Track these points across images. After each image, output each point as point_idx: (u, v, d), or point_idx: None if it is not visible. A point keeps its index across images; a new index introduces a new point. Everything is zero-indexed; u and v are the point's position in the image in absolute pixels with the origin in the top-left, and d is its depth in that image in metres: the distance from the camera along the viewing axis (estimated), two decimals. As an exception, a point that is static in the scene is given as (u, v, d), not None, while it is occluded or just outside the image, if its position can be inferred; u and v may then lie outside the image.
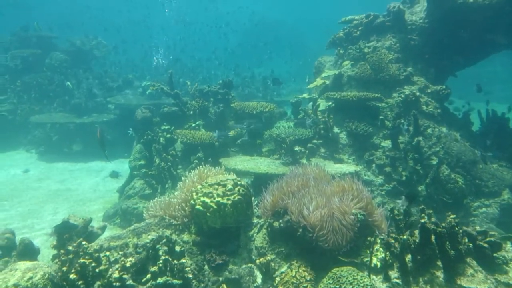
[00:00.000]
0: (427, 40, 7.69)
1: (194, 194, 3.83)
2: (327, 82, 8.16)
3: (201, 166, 4.33)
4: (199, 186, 3.88)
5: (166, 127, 7.67)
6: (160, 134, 7.59)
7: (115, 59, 19.37)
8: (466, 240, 3.50)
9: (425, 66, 7.63)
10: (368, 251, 3.51)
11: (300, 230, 3.59)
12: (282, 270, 3.59)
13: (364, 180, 5.98)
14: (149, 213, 4.00)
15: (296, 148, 6.52)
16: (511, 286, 3.27)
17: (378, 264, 3.45)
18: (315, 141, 6.73)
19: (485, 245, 3.51)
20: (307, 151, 6.58)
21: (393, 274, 3.38)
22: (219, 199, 3.70)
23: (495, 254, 3.48)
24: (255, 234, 3.91)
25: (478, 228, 3.85)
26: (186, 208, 3.86)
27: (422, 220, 3.43)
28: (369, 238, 3.61)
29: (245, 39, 28.05)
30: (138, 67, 19.97)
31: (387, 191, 5.96)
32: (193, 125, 7.93)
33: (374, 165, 6.31)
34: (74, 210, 7.85)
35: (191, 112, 8.17)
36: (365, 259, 3.48)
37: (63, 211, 7.86)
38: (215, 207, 3.66)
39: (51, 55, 15.33)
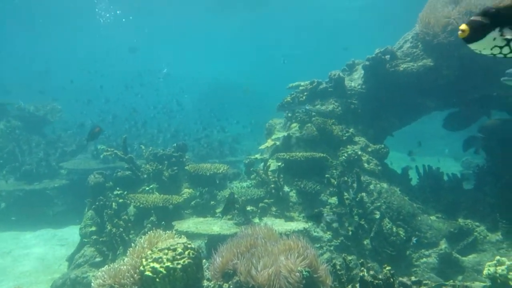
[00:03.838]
0: (365, 104, 8.43)
1: (143, 260, 3.88)
2: (277, 143, 8.60)
3: (151, 231, 4.41)
4: (149, 252, 3.95)
5: (119, 192, 7.66)
6: (112, 199, 7.55)
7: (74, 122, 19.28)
8: (402, 290, 3.78)
9: (365, 127, 8.30)
10: (314, 307, 3.68)
11: (249, 290, 3.71)
12: (232, 332, 3.65)
13: (313, 236, 6.24)
14: (97, 282, 3.97)
15: (248, 208, 6.72)
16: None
17: (323, 319, 3.61)
18: (266, 200, 6.98)
19: (419, 294, 3.79)
20: (259, 211, 6.80)
21: (338, 328, 3.55)
22: (168, 263, 3.77)
23: (428, 303, 3.76)
24: (205, 298, 3.96)
25: (413, 278, 4.14)
26: (135, 275, 3.88)
27: (361, 274, 3.69)
28: (314, 294, 3.79)
29: (203, 102, 28.86)
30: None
31: (335, 246, 6.21)
32: (147, 188, 7.98)
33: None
34: (20, 282, 7.45)
35: (145, 176, 8.25)
36: (311, 316, 3.63)
37: (8, 284, 7.43)
38: (164, 272, 3.72)
39: (3, 121, 15.10)
